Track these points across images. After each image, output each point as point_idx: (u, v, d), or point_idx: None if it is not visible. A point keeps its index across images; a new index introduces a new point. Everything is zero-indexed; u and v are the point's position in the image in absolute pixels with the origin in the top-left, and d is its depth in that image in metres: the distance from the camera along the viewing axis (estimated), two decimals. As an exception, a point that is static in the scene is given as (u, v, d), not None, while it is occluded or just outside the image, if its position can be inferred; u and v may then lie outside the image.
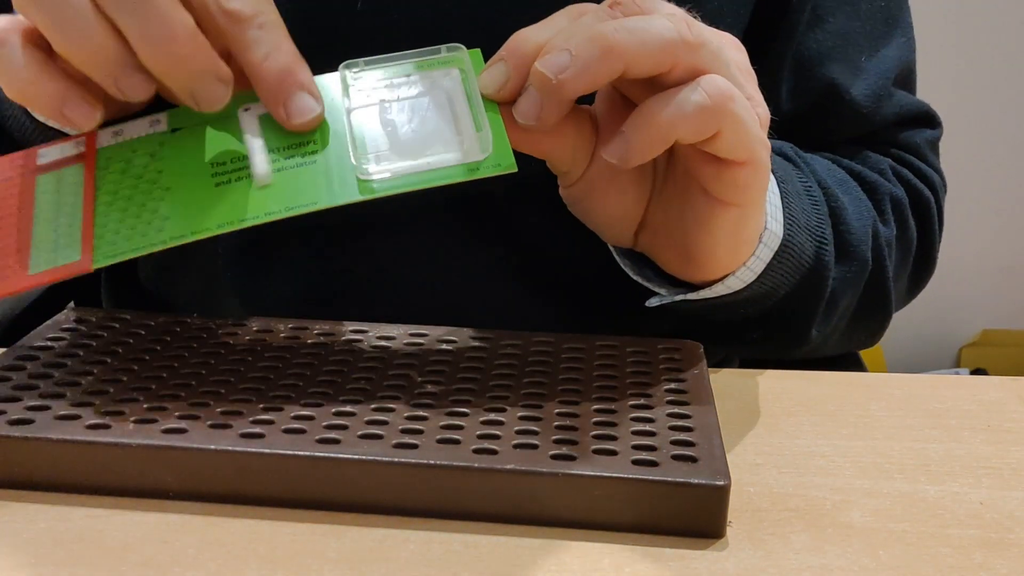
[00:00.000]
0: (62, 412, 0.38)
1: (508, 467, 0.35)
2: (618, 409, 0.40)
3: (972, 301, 1.87)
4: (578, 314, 0.57)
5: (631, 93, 0.43)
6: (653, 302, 0.48)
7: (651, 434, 0.38)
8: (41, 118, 0.47)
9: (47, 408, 0.38)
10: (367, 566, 0.33)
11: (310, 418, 0.38)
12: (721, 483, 0.35)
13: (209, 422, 0.38)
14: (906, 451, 0.42)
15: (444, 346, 0.45)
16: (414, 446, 0.36)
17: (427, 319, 0.49)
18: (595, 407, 0.40)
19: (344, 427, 0.37)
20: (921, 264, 0.63)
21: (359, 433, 0.37)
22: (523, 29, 0.41)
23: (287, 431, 0.37)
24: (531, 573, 0.33)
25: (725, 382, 0.48)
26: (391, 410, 0.39)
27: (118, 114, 0.43)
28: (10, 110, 0.53)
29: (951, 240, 0.66)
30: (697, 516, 0.35)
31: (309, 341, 0.46)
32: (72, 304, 0.73)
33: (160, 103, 0.42)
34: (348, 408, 0.39)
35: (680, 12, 0.41)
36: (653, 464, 0.35)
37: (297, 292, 0.56)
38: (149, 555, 0.34)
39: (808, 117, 0.59)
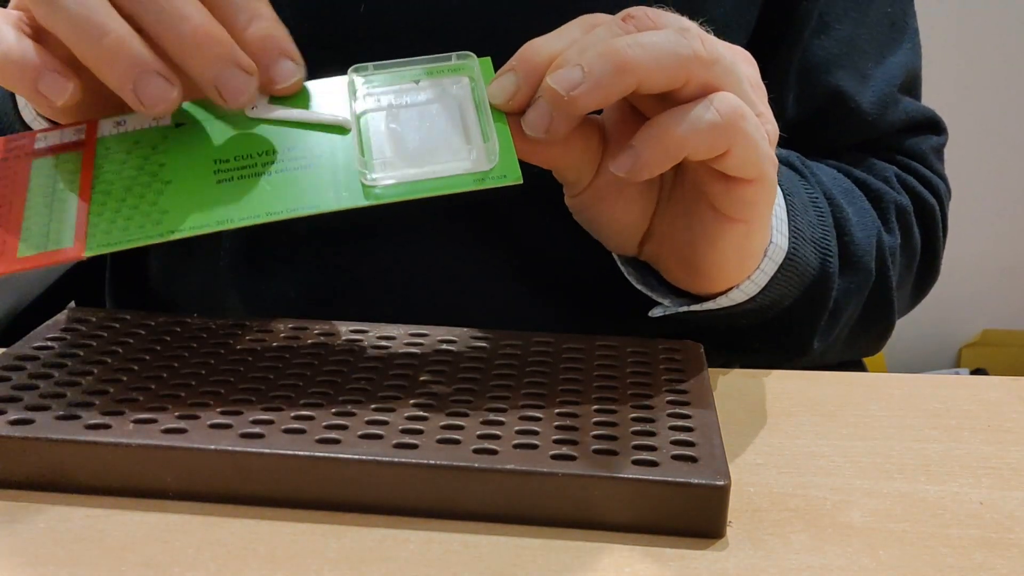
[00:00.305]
0: (62, 412, 0.38)
1: (508, 467, 0.35)
2: (618, 409, 0.40)
3: (972, 301, 1.87)
4: (578, 315, 0.57)
5: (641, 105, 0.43)
6: (656, 312, 0.48)
7: (651, 434, 0.38)
8: (26, 111, 0.47)
9: (47, 408, 0.38)
10: (367, 566, 0.33)
11: (310, 418, 0.38)
12: (721, 483, 0.35)
13: (209, 422, 0.38)
14: (906, 451, 0.42)
15: (444, 346, 0.45)
16: (414, 446, 0.36)
17: (428, 319, 0.49)
18: (595, 407, 0.40)
19: (344, 427, 0.37)
20: (925, 271, 0.63)
21: (359, 433, 0.37)
22: (535, 39, 0.41)
23: (287, 431, 0.37)
24: (531, 573, 0.33)
25: (725, 382, 0.48)
26: (391, 410, 0.39)
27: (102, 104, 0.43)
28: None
29: (952, 240, 0.66)
30: (697, 516, 0.35)
31: (309, 341, 0.46)
32: (72, 304, 0.73)
33: None
34: (348, 408, 0.39)
35: (693, 26, 0.41)
36: (653, 464, 0.35)
37: (299, 292, 0.56)
38: (149, 555, 0.34)
39: (814, 124, 0.59)
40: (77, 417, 0.38)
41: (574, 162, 0.44)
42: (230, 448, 0.36)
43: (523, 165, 0.40)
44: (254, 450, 0.36)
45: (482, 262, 0.55)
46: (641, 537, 0.35)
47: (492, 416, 0.39)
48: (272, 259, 0.56)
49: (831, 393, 0.48)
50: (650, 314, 0.48)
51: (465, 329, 0.47)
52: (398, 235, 0.55)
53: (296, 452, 0.36)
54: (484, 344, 0.46)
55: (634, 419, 0.39)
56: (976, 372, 1.86)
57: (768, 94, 0.44)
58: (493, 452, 0.36)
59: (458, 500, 0.36)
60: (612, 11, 0.43)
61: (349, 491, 0.36)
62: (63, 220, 0.40)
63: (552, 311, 0.56)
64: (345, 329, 0.47)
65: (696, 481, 0.35)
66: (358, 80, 0.42)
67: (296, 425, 0.37)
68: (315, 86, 0.43)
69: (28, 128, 0.49)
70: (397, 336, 0.46)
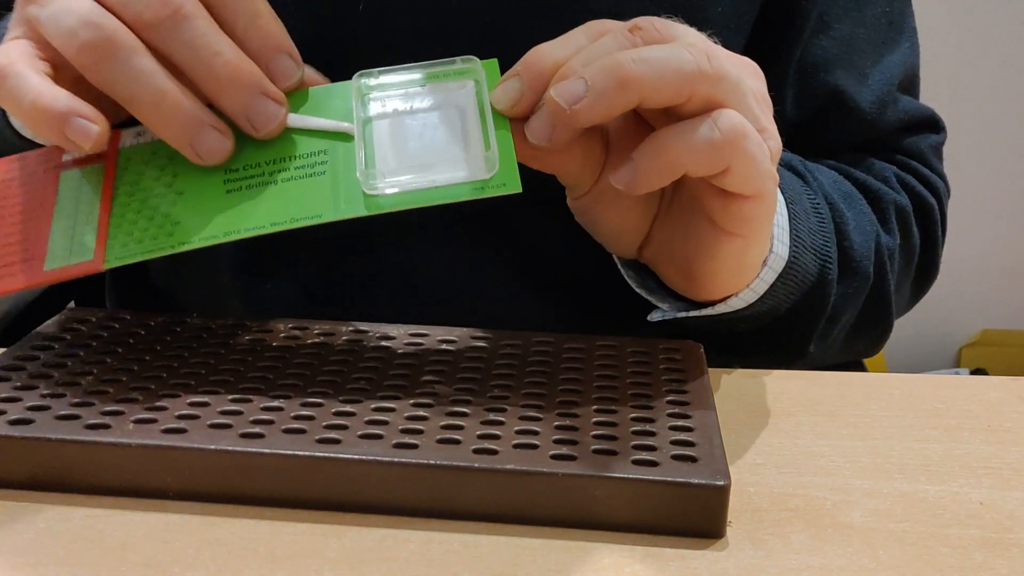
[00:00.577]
0: (62, 412, 0.38)
1: (508, 467, 0.35)
2: (618, 409, 0.40)
3: (972, 301, 1.87)
4: (578, 315, 0.57)
5: (647, 115, 0.43)
6: (655, 317, 0.48)
7: (651, 434, 0.38)
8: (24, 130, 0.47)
9: (47, 408, 0.38)
10: (367, 566, 0.33)
11: (310, 418, 0.38)
12: (721, 483, 0.35)
13: (209, 422, 0.38)
14: (906, 451, 0.42)
15: (444, 346, 0.45)
16: (414, 446, 0.36)
17: (428, 320, 0.49)
18: (595, 407, 0.40)
19: (344, 427, 0.37)
20: (924, 270, 0.63)
21: (359, 433, 0.37)
22: (541, 45, 0.41)
23: (287, 431, 0.37)
24: (531, 573, 0.33)
25: (725, 382, 0.48)
26: (391, 410, 0.39)
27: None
28: None
29: (951, 240, 0.66)
30: (697, 516, 0.35)
31: (309, 341, 0.46)
32: (72, 304, 0.73)
33: None
34: (348, 408, 0.39)
35: (700, 39, 0.41)
36: (653, 464, 0.35)
37: (299, 293, 0.56)
38: (149, 555, 0.34)
39: (813, 124, 0.59)
40: (77, 417, 0.38)
41: (576, 168, 0.44)
42: (230, 448, 0.36)
43: (524, 167, 0.40)
44: (254, 450, 0.36)
45: (483, 262, 0.55)
46: (641, 537, 0.35)
47: (492, 416, 0.39)
48: (272, 259, 0.56)
49: (831, 393, 0.48)
50: (649, 318, 0.48)
51: (465, 329, 0.47)
52: (398, 236, 0.55)
53: (296, 452, 0.36)
54: (484, 344, 0.46)
55: (634, 419, 0.39)
56: (976, 372, 1.86)
57: (768, 93, 0.44)
58: (493, 452, 0.36)
59: (458, 500, 0.36)
60: (612, 13, 0.43)
61: (349, 491, 0.36)
62: (85, 233, 0.41)
63: (552, 311, 0.56)
64: (345, 329, 0.47)
65: (696, 481, 0.35)
66: (364, 86, 0.42)
67: (296, 425, 0.37)
68: (321, 91, 0.43)
69: (24, 140, 0.49)
70: (397, 336, 0.46)
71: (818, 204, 0.53)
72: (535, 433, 0.37)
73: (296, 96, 0.42)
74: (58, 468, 0.37)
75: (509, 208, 0.54)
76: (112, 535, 0.35)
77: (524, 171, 0.40)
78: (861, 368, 0.68)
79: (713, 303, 0.47)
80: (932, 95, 0.65)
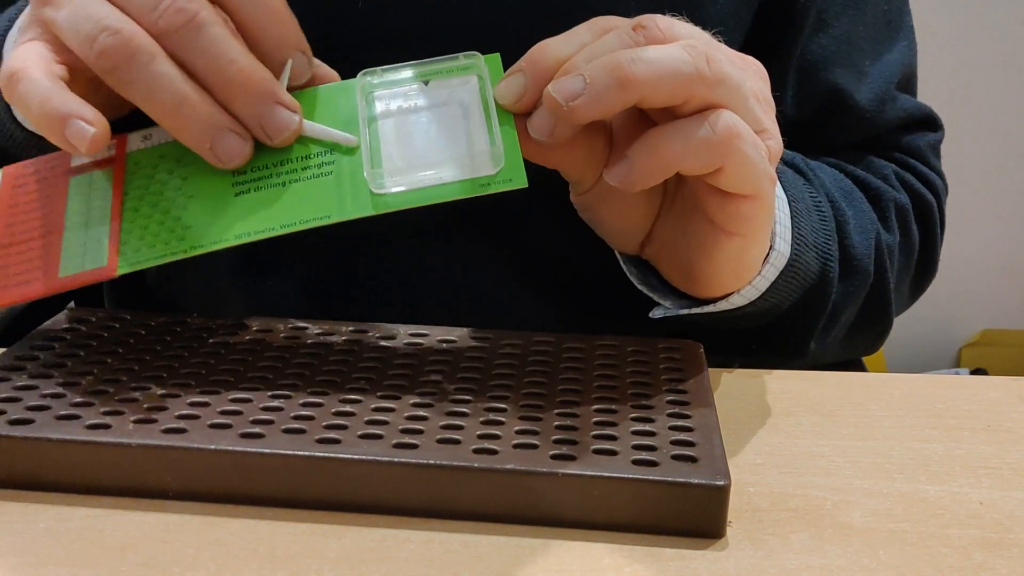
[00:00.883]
0: (62, 412, 0.38)
1: (508, 467, 0.35)
2: (618, 409, 0.40)
3: (972, 301, 1.87)
4: (579, 315, 0.57)
5: (649, 112, 0.43)
6: (656, 313, 0.48)
7: (651, 434, 0.38)
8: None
9: (47, 408, 0.38)
10: (367, 566, 0.33)
11: (310, 418, 0.38)
12: (721, 483, 0.35)
13: (209, 422, 0.38)
14: (906, 451, 0.42)
15: (444, 346, 0.45)
16: (414, 446, 0.36)
17: (429, 319, 0.49)
18: (595, 407, 0.40)
19: (344, 427, 0.37)
20: (923, 268, 0.63)
21: (359, 433, 0.37)
22: (545, 41, 0.41)
23: (287, 431, 0.37)
24: (531, 573, 0.33)
25: (725, 382, 0.48)
26: (391, 410, 0.39)
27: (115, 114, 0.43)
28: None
29: (951, 240, 0.66)
30: (697, 516, 0.35)
31: (309, 341, 0.46)
32: (72, 304, 0.73)
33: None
34: (348, 408, 0.39)
35: (704, 39, 0.41)
36: (653, 464, 0.35)
37: (299, 292, 0.56)
38: (149, 555, 0.34)
39: (812, 122, 0.59)
40: (77, 417, 0.38)
41: (579, 163, 0.44)
42: (230, 448, 0.36)
43: (527, 165, 0.40)
44: (254, 450, 0.36)
45: (483, 262, 0.55)
46: (641, 537, 0.35)
47: (492, 416, 0.39)
48: (272, 259, 0.56)
49: (831, 393, 0.48)
50: (650, 315, 0.48)
51: (465, 329, 0.47)
52: (398, 235, 0.55)
53: (296, 452, 0.36)
54: (484, 344, 0.46)
55: (634, 419, 0.39)
56: (976, 372, 1.86)
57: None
58: (493, 452, 0.36)
59: (458, 500, 0.36)
60: (613, 10, 0.43)
61: (349, 491, 0.36)
62: (98, 238, 0.41)
63: (552, 311, 0.56)
64: (345, 329, 0.47)
65: (696, 481, 0.35)
66: (369, 84, 0.42)
67: (296, 425, 0.37)
68: (326, 90, 0.43)
69: (27, 133, 0.49)
70: (397, 336, 0.46)
71: (820, 202, 0.53)
72: (535, 433, 0.37)
73: (302, 94, 0.42)
74: (58, 468, 0.37)
75: (509, 207, 0.54)
76: (112, 535, 0.35)
77: (528, 171, 0.40)
78: (861, 368, 0.68)
79: (714, 300, 0.47)
80: (931, 95, 0.65)
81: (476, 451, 0.36)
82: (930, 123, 0.64)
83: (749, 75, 0.42)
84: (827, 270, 0.51)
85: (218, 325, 0.47)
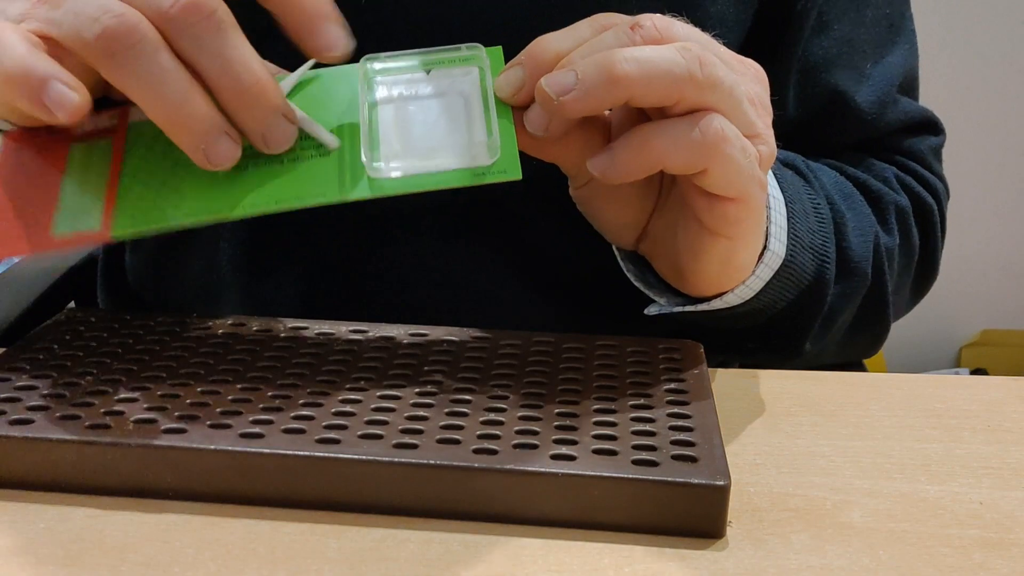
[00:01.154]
0: (62, 412, 0.38)
1: (508, 467, 0.35)
2: (618, 409, 0.40)
3: (972, 301, 1.87)
4: (578, 314, 0.57)
5: (647, 110, 0.43)
6: (651, 310, 0.48)
7: (651, 434, 0.38)
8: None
9: (47, 408, 0.38)
10: (367, 566, 0.33)
11: (310, 418, 0.38)
12: (721, 483, 0.35)
13: (209, 422, 0.38)
14: (906, 451, 0.42)
15: (444, 346, 0.45)
16: (414, 446, 0.36)
17: (429, 318, 0.49)
18: (595, 407, 0.40)
19: (344, 427, 0.37)
20: (924, 272, 0.63)
21: (359, 433, 0.37)
22: (545, 35, 0.41)
23: (287, 431, 0.37)
24: (531, 573, 0.33)
25: (725, 382, 0.48)
26: (391, 410, 0.39)
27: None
28: None
29: (951, 240, 0.66)
30: (697, 516, 0.35)
31: (309, 341, 0.46)
32: (72, 304, 0.73)
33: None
34: (348, 408, 0.39)
35: (701, 41, 0.41)
36: (653, 464, 0.35)
37: (299, 292, 0.56)
38: (149, 555, 0.34)
39: (813, 124, 0.59)
40: (77, 417, 0.38)
41: (576, 158, 0.44)
42: (230, 448, 0.36)
43: (526, 162, 0.40)
44: (254, 450, 0.36)
45: (483, 261, 0.55)
46: (641, 537, 0.35)
47: (492, 416, 0.39)
48: (272, 258, 0.56)
49: (831, 393, 0.48)
50: (645, 311, 0.48)
51: (465, 329, 0.47)
52: (398, 234, 0.55)
53: (296, 452, 0.36)
54: (484, 344, 0.46)
55: (634, 419, 0.39)
56: (976, 372, 1.86)
57: (770, 95, 0.44)
58: (493, 452, 0.36)
59: (458, 500, 0.36)
60: (612, 7, 0.43)
61: (349, 491, 0.36)
62: (93, 203, 0.40)
63: (552, 310, 0.57)
64: (345, 329, 0.47)
65: (696, 481, 0.35)
66: (371, 70, 0.42)
67: (296, 425, 0.37)
68: (327, 73, 0.43)
69: None
70: (397, 336, 0.46)
71: (818, 204, 0.53)
72: (535, 433, 0.37)
73: (303, 79, 0.42)
74: (58, 468, 0.37)
75: (510, 207, 0.54)
76: (112, 535, 0.35)
77: (525, 170, 0.40)
78: (861, 368, 0.68)
79: (709, 299, 0.47)
80: (932, 95, 0.65)
81: (476, 451, 0.36)
82: (932, 127, 0.64)
83: (746, 79, 0.42)
84: (823, 271, 0.52)
85: (218, 325, 0.47)
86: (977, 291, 1.87)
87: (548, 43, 0.41)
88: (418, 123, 0.41)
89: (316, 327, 0.47)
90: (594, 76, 0.39)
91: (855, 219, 0.56)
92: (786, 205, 0.49)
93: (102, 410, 0.38)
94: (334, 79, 0.43)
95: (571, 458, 0.36)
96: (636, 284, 0.49)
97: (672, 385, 0.42)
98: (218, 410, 0.39)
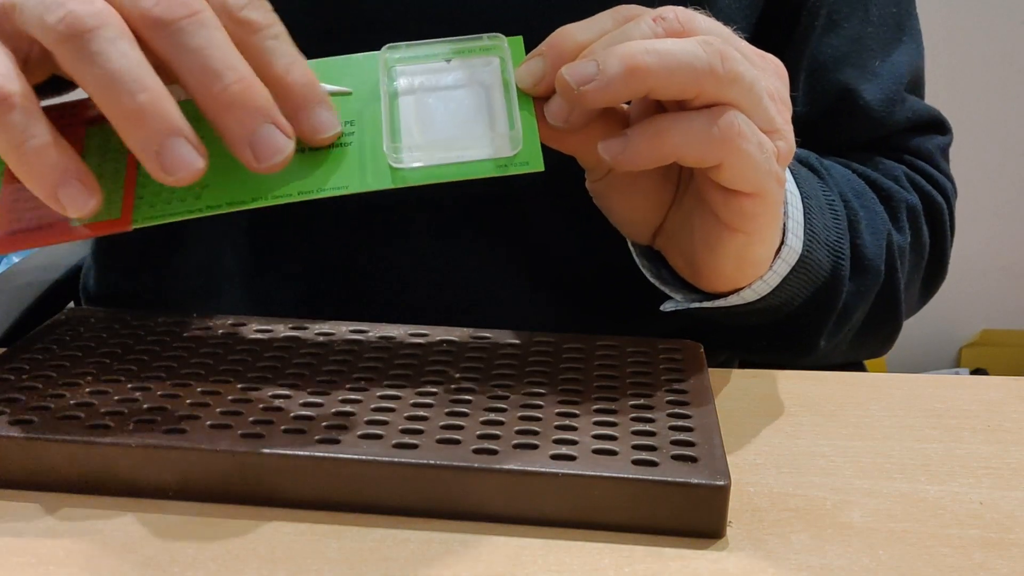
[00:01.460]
0: (62, 412, 0.38)
1: (508, 467, 0.35)
2: (618, 409, 0.40)
3: (972, 301, 1.87)
4: (578, 314, 0.57)
5: (665, 104, 0.43)
6: (668, 307, 0.48)
7: (651, 434, 0.38)
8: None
9: (47, 408, 0.38)
10: (367, 566, 0.33)
11: (310, 418, 0.38)
12: (721, 483, 0.35)
13: (209, 422, 0.38)
14: (906, 451, 0.42)
15: (444, 346, 0.45)
16: (414, 446, 0.36)
17: (428, 317, 0.49)
18: (595, 407, 0.40)
19: (344, 427, 0.37)
20: (933, 271, 0.63)
21: (359, 433, 0.37)
22: (567, 26, 0.41)
23: (287, 431, 0.37)
24: (531, 573, 0.33)
25: (725, 382, 0.48)
26: (391, 410, 0.39)
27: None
28: None
29: (951, 240, 0.66)
30: (697, 516, 0.35)
31: (309, 341, 0.46)
32: (72, 304, 0.73)
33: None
34: (348, 408, 0.39)
35: (721, 37, 0.41)
36: (653, 464, 0.35)
37: (298, 292, 0.56)
38: (149, 555, 0.34)
39: (822, 122, 0.59)
40: (77, 417, 0.38)
41: (594, 151, 0.44)
42: (230, 448, 0.36)
43: (544, 153, 0.40)
44: (254, 450, 0.36)
45: (484, 260, 0.55)
46: (641, 537, 0.35)
47: (492, 416, 0.39)
48: (273, 258, 0.56)
49: (831, 393, 0.48)
50: (662, 308, 0.48)
51: (465, 329, 0.47)
52: (399, 233, 0.55)
53: (296, 452, 0.36)
54: (484, 344, 0.46)
55: (634, 419, 0.39)
56: (976, 372, 1.86)
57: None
58: (493, 452, 0.36)
59: (458, 500, 0.36)
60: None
61: (349, 491, 0.36)
62: (112, 191, 0.40)
63: (552, 310, 0.57)
64: (345, 329, 0.47)
65: (696, 481, 0.35)
66: (391, 59, 0.42)
67: (296, 425, 0.37)
68: (348, 61, 0.42)
69: None
70: (397, 336, 0.46)
71: (833, 200, 0.53)
72: (535, 433, 0.37)
73: (322, 66, 0.42)
74: (58, 468, 0.37)
75: (510, 205, 0.54)
76: (112, 535, 0.35)
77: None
78: (861, 368, 0.68)
79: (725, 295, 0.47)
80: (932, 95, 0.65)
81: (476, 451, 0.36)
82: (939, 126, 0.64)
83: (767, 74, 0.42)
84: (838, 268, 0.52)
85: (218, 325, 0.47)
86: (977, 291, 1.87)
87: (570, 33, 0.41)
88: (439, 113, 0.41)
89: (316, 327, 0.47)
90: (615, 67, 0.38)
91: (868, 217, 0.56)
92: (802, 200, 0.49)
93: (102, 410, 0.38)
94: (354, 67, 0.42)
95: (571, 458, 0.36)
96: (651, 280, 0.49)
97: (672, 385, 0.42)
98: (218, 410, 0.39)
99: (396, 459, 0.35)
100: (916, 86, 0.63)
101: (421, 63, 0.42)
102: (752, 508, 0.38)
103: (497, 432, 0.37)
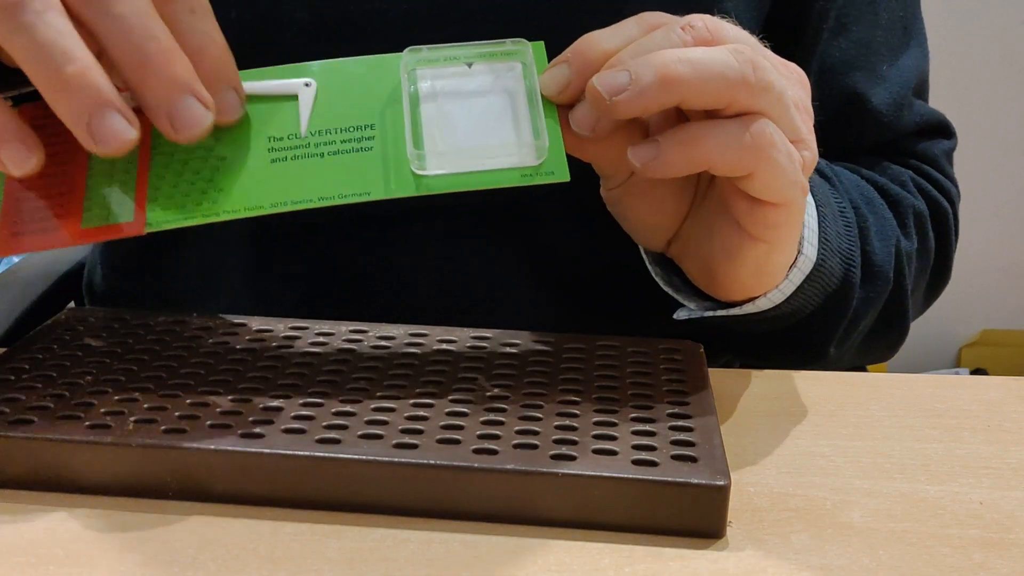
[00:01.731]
0: (62, 412, 0.38)
1: (508, 467, 0.35)
2: (618, 409, 0.40)
3: (972, 301, 1.87)
4: (579, 314, 0.57)
5: (689, 112, 0.42)
6: (681, 315, 0.48)
7: (651, 434, 0.38)
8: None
9: (47, 408, 0.38)
10: (367, 566, 0.33)
11: (310, 418, 0.38)
12: (721, 483, 0.35)
13: (209, 422, 0.38)
14: (906, 451, 0.42)
15: (444, 346, 0.45)
16: (414, 446, 0.36)
17: (429, 318, 0.49)
18: (595, 407, 0.40)
19: (344, 427, 0.37)
20: (937, 274, 0.63)
21: (359, 433, 0.37)
22: (592, 32, 0.41)
23: (287, 431, 0.37)
24: (531, 573, 0.33)
25: (725, 382, 0.48)
26: (391, 410, 0.39)
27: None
28: None
29: (952, 240, 0.66)
30: (697, 516, 0.35)
31: (309, 341, 0.46)
32: (72, 304, 0.73)
33: None
34: (348, 408, 0.39)
35: (751, 44, 0.41)
36: (653, 464, 0.35)
37: (299, 292, 0.56)
38: (149, 555, 0.34)
39: (830, 126, 0.59)
40: (77, 417, 0.38)
41: (615, 158, 0.43)
42: (230, 448, 0.36)
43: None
44: (254, 450, 0.36)
45: (484, 261, 0.55)
46: (641, 537, 0.35)
47: (492, 416, 0.39)
48: (274, 258, 0.56)
49: (831, 393, 0.48)
50: (675, 316, 0.48)
51: (465, 329, 0.47)
52: (399, 234, 0.55)
53: (296, 452, 0.36)
54: (484, 344, 0.46)
55: (634, 419, 0.39)
56: (976, 372, 1.86)
57: None
58: (493, 452, 0.36)
59: (458, 500, 0.36)
60: (642, 8, 0.42)
61: (349, 491, 0.36)
62: (124, 193, 0.39)
63: (553, 310, 0.56)
64: (345, 329, 0.47)
65: (696, 481, 0.35)
66: (413, 62, 0.42)
67: (296, 425, 0.37)
68: (369, 62, 0.42)
69: None
70: (397, 336, 0.46)
71: (844, 208, 0.53)
72: (535, 433, 0.37)
73: (332, 67, 0.42)
74: (58, 468, 0.37)
75: (512, 206, 0.54)
76: (112, 535, 0.35)
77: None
78: (861, 368, 0.68)
79: (740, 303, 0.47)
80: (932, 95, 0.65)
81: (476, 451, 0.36)
82: (944, 130, 0.64)
83: (791, 83, 0.42)
84: (850, 275, 0.51)
85: (218, 325, 0.47)
86: (977, 291, 1.87)
87: (595, 41, 0.40)
88: (463, 120, 0.41)
89: (316, 327, 0.47)
90: (648, 77, 0.38)
91: (877, 224, 0.56)
92: (817, 208, 0.49)
93: (102, 410, 0.38)
94: (375, 70, 0.42)
95: (571, 458, 0.36)
96: (664, 288, 0.49)
97: (672, 385, 0.42)
98: (218, 410, 0.39)
99: (396, 459, 0.35)
100: (922, 90, 0.63)
101: (442, 66, 0.42)
102: (752, 508, 0.38)
103: (497, 432, 0.37)
